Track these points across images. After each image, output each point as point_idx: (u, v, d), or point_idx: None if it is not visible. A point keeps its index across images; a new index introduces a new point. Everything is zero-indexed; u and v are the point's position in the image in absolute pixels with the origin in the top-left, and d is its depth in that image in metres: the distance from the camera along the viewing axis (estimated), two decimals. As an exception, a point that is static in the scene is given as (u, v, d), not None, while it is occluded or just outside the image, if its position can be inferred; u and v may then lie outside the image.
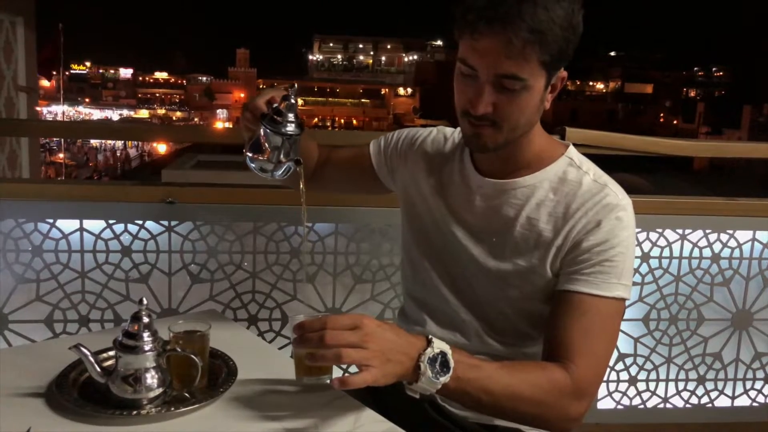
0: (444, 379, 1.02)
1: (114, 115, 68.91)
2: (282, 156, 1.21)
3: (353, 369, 1.00)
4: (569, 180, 1.22)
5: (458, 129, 1.40)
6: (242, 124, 1.30)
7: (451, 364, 1.02)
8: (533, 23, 1.04)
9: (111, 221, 1.90)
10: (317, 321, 0.99)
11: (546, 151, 1.25)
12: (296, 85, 1.23)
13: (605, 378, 2.21)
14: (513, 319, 1.26)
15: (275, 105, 1.22)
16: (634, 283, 2.14)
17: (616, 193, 1.19)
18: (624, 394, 2.24)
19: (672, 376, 2.25)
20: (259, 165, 1.23)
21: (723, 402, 2.30)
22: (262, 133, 1.21)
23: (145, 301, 1.10)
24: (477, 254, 1.26)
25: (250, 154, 1.23)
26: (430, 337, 1.04)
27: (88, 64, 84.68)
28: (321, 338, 0.97)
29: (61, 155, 33.87)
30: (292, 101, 1.21)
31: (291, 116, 1.21)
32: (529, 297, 1.23)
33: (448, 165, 1.35)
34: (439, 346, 1.02)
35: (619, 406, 2.24)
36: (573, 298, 1.15)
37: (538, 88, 1.13)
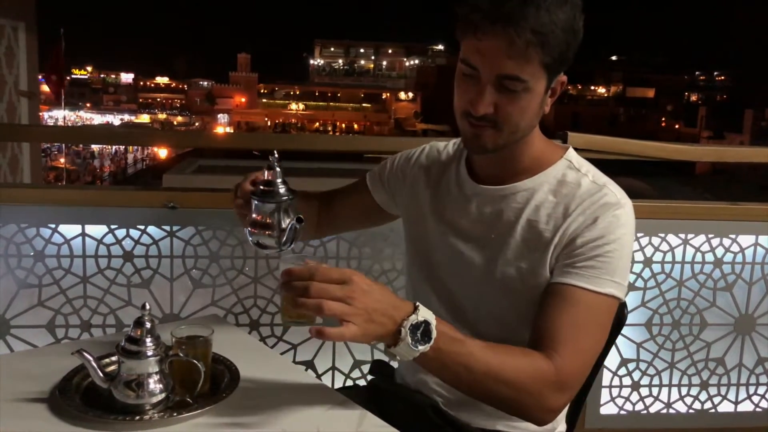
0: (423, 348, 1.01)
1: (115, 119, 68.97)
2: (284, 223, 1.20)
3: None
4: (568, 182, 1.21)
5: (451, 141, 1.40)
6: (236, 212, 1.29)
7: (433, 334, 1.01)
8: (536, 25, 1.05)
9: (113, 226, 1.90)
10: (306, 270, 0.99)
11: (545, 154, 1.25)
12: (276, 154, 1.21)
13: (608, 383, 2.21)
14: (516, 328, 1.25)
15: (260, 180, 1.22)
16: (637, 288, 2.14)
17: (615, 192, 1.19)
18: (627, 399, 2.23)
19: (675, 381, 2.25)
20: (265, 241, 1.20)
21: (726, 407, 2.29)
22: (255, 209, 1.20)
23: (147, 307, 1.10)
24: (480, 263, 1.25)
25: (254, 233, 1.20)
26: (417, 303, 1.03)
27: (89, 68, 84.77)
28: (306, 288, 0.96)
29: (62, 160, 33.91)
30: (276, 168, 1.20)
31: (279, 182, 1.20)
32: (530, 301, 1.21)
33: (444, 177, 1.36)
34: (424, 314, 1.02)
35: (622, 412, 2.23)
36: (563, 290, 1.14)
37: (539, 90, 1.13)
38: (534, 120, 1.18)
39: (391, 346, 1.02)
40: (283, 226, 1.20)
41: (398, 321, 1.00)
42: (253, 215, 1.20)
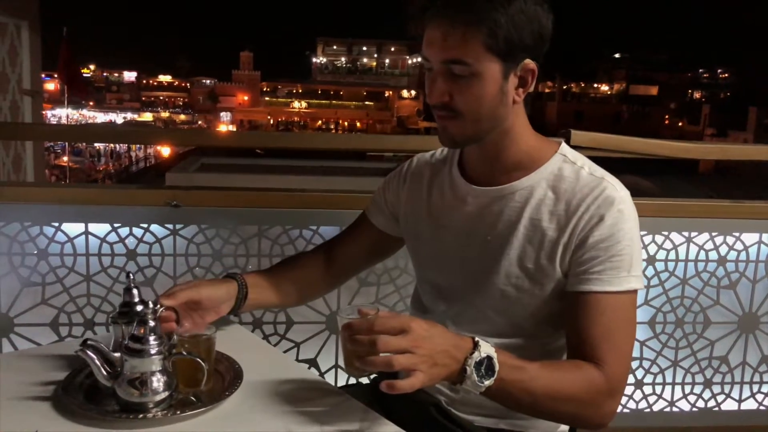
0: (489, 382, 1.03)
1: (118, 118, 68.91)
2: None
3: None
4: (565, 176, 1.21)
5: (439, 149, 1.40)
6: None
7: (496, 367, 1.04)
8: (472, 8, 1.09)
9: (116, 225, 1.90)
10: (365, 322, 1.01)
11: (538, 150, 1.25)
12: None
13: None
14: (523, 325, 1.25)
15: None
16: (640, 286, 2.13)
17: (613, 185, 1.19)
18: (630, 397, 2.23)
19: (678, 379, 2.24)
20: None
21: (730, 405, 2.29)
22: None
23: (150, 305, 1.10)
24: (484, 264, 1.25)
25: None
26: (476, 339, 1.05)
27: (92, 67, 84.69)
28: (372, 343, 0.98)
29: (65, 158, 33.93)
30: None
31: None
32: (540, 299, 1.22)
33: (436, 183, 1.36)
34: (485, 350, 1.04)
35: (625, 410, 2.23)
36: (589, 299, 1.15)
37: (491, 76, 1.13)
38: (498, 109, 1.17)
39: (457, 384, 1.04)
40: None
41: (461, 360, 1.03)
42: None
